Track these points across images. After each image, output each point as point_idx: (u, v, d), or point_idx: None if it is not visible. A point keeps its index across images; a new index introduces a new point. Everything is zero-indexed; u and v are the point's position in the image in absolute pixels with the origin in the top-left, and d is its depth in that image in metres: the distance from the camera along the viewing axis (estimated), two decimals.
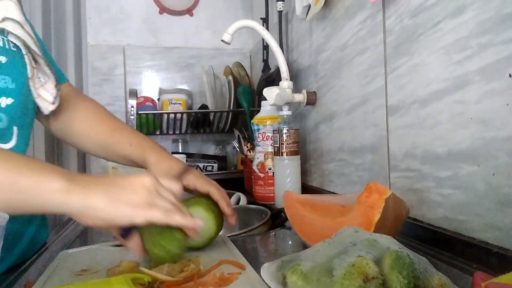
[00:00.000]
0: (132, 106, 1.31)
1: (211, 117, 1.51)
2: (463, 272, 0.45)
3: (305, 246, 0.58)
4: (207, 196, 0.58)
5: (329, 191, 0.91)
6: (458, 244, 0.50)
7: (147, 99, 1.51)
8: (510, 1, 0.43)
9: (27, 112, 0.58)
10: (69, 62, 1.47)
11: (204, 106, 1.53)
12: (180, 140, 1.62)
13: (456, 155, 0.51)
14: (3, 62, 0.53)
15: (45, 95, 0.60)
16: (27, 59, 0.56)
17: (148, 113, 1.41)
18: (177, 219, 0.43)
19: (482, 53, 0.47)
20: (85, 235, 0.78)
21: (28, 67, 0.57)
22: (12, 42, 0.55)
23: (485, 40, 0.46)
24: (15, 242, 0.57)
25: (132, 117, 1.30)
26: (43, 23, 1.29)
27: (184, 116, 1.47)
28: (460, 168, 0.50)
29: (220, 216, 0.56)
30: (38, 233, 0.63)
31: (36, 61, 0.59)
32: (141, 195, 0.41)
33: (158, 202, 0.42)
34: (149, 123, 1.44)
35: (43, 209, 0.40)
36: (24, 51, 0.56)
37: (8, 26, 0.54)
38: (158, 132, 1.53)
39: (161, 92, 1.55)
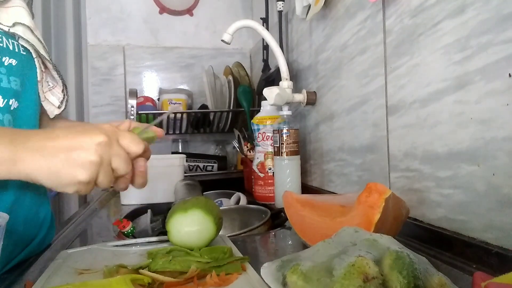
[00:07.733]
0: (132, 106, 1.31)
1: (211, 117, 1.51)
2: (463, 272, 0.45)
3: (305, 246, 0.58)
4: (205, 197, 0.58)
5: (329, 191, 0.91)
6: (458, 244, 0.50)
7: (147, 99, 1.52)
8: (510, 1, 0.43)
9: (33, 115, 0.58)
10: (69, 62, 1.47)
11: (204, 106, 1.53)
12: (180, 140, 1.63)
13: (456, 155, 0.51)
14: (13, 64, 0.53)
15: (52, 99, 0.61)
16: (36, 62, 0.57)
17: (148, 113, 1.41)
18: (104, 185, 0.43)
19: (482, 53, 0.47)
20: (85, 235, 0.78)
21: (38, 70, 0.58)
22: (22, 46, 0.56)
23: (485, 40, 0.46)
24: (27, 244, 0.58)
25: (132, 117, 1.30)
26: (43, 23, 1.29)
27: (184, 116, 1.48)
28: (460, 168, 0.50)
29: (219, 217, 0.57)
30: (46, 235, 0.63)
31: (45, 66, 0.60)
32: (87, 170, 0.40)
33: (102, 178, 0.42)
34: (149, 123, 1.44)
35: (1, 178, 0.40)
36: (34, 54, 0.57)
37: (18, 30, 0.55)
38: None
39: (161, 92, 1.56)
